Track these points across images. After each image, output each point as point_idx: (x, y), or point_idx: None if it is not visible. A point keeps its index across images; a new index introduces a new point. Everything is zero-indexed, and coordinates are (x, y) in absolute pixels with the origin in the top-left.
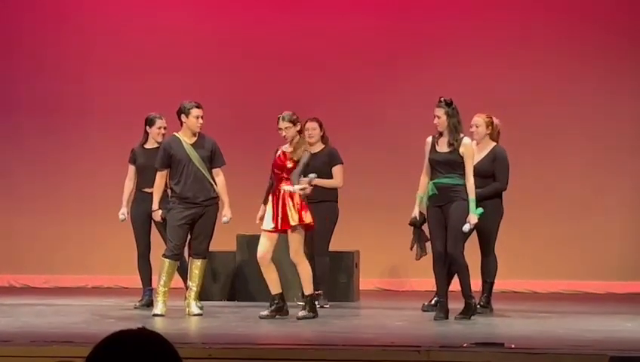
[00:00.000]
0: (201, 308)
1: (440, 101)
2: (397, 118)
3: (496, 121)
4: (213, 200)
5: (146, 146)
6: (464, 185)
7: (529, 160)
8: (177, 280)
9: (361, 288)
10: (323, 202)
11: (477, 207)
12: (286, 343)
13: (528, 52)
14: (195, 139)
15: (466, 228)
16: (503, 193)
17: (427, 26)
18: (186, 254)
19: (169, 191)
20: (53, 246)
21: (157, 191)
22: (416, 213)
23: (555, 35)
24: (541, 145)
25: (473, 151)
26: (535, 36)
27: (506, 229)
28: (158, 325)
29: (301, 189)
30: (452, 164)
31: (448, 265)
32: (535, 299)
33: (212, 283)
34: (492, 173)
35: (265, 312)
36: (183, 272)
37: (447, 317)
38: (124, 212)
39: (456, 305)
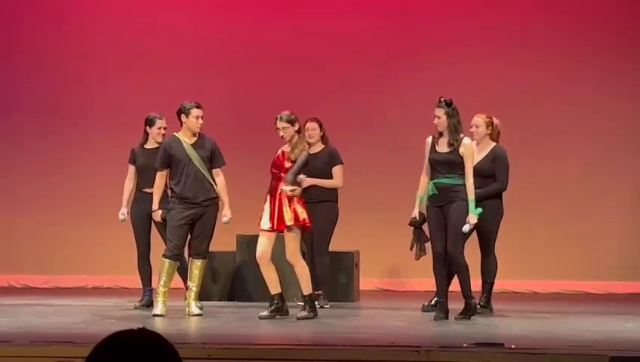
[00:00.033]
0: (201, 308)
1: (440, 101)
2: (397, 118)
3: (496, 121)
4: (213, 201)
5: (146, 146)
6: (464, 186)
7: (529, 160)
8: (177, 281)
9: (361, 288)
10: (323, 202)
11: (477, 207)
12: (286, 343)
13: (528, 52)
14: (195, 139)
15: (466, 228)
16: (503, 193)
17: (427, 26)
18: (186, 254)
19: (169, 191)
20: (53, 247)
21: (157, 191)
22: (416, 213)
23: (555, 35)
24: (541, 146)
25: (473, 151)
26: (535, 36)
27: (506, 229)
28: (158, 325)
29: (291, 191)
30: (452, 164)
31: (448, 266)
32: (535, 299)
33: (212, 284)
34: (492, 173)
35: (264, 313)
36: (183, 272)
37: (447, 318)
38: (124, 212)
39: (456, 306)
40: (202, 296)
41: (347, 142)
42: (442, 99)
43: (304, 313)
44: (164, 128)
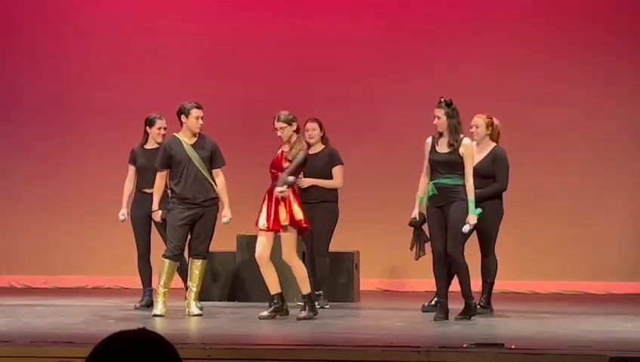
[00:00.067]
0: (201, 308)
1: (440, 101)
2: (397, 119)
3: (496, 121)
4: (213, 201)
5: (146, 147)
6: (464, 186)
7: (529, 160)
8: (177, 281)
9: (361, 288)
10: (323, 203)
11: (476, 207)
12: (286, 343)
13: (528, 52)
14: (195, 139)
15: (466, 228)
16: (503, 193)
17: (427, 26)
18: (186, 254)
19: (169, 191)
20: (54, 247)
21: (157, 191)
22: (415, 213)
23: (555, 35)
24: (541, 146)
25: (473, 151)
26: (535, 36)
27: (506, 230)
28: (158, 325)
29: (280, 192)
30: (452, 164)
31: (448, 266)
32: (535, 299)
33: (212, 284)
34: (492, 173)
35: (264, 313)
36: (183, 273)
37: (447, 318)
38: (124, 212)
39: (456, 306)
40: (202, 296)
41: (347, 143)
42: (442, 99)
43: (304, 313)
44: (164, 128)
